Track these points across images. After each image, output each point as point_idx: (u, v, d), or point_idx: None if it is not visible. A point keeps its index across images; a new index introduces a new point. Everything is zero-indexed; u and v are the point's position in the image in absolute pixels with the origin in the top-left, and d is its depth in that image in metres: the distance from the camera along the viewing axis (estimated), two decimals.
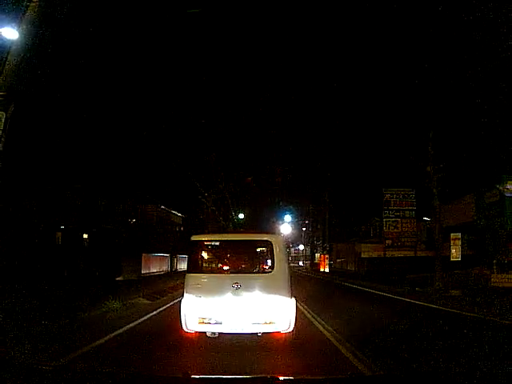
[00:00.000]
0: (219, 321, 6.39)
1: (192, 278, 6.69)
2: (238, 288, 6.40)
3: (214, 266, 7.41)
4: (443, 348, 6.85)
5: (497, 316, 10.10)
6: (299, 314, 9.81)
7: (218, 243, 7.36)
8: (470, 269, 20.14)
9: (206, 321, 6.41)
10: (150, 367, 5.52)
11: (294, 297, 6.74)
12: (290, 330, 6.48)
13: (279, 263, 6.57)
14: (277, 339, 6.74)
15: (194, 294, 6.49)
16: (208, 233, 17.64)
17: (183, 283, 6.78)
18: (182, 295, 6.64)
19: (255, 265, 7.31)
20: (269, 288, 6.48)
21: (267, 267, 6.84)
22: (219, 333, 6.67)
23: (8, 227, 13.98)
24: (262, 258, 7.24)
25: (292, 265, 50.27)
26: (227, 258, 7.45)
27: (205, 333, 6.78)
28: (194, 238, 7.13)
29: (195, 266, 6.96)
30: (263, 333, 6.57)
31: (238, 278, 6.53)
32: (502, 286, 15.95)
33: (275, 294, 6.44)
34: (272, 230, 46.21)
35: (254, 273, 7.07)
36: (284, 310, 6.40)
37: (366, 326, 8.73)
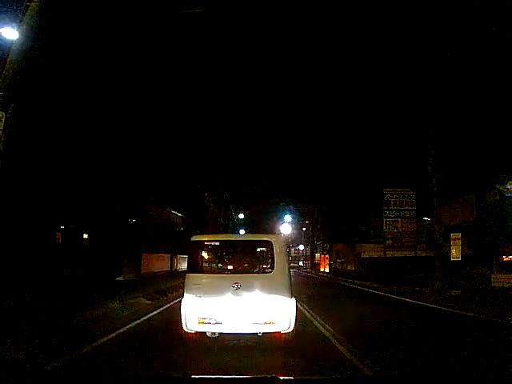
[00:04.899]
0: (219, 321, 6.38)
1: (192, 278, 6.69)
2: (238, 288, 6.41)
3: (214, 266, 7.45)
4: (443, 348, 6.85)
5: (497, 316, 10.09)
6: (299, 313, 9.83)
7: (218, 243, 7.39)
8: (470, 269, 20.14)
9: (206, 321, 6.40)
10: (151, 367, 5.52)
11: (294, 297, 6.73)
12: (290, 329, 6.47)
13: (279, 263, 6.58)
14: (277, 339, 6.75)
15: (194, 294, 6.48)
16: (208, 233, 17.69)
17: (183, 283, 6.78)
18: (183, 295, 6.65)
19: (255, 265, 7.33)
20: (269, 288, 6.48)
21: (267, 267, 6.85)
22: (219, 333, 6.65)
23: (8, 227, 13.97)
24: (262, 258, 7.26)
25: (292, 265, 50.18)
26: (227, 259, 7.49)
27: (205, 333, 6.77)
28: (195, 238, 7.16)
29: (195, 266, 6.96)
30: (263, 333, 6.56)
31: (238, 278, 6.55)
32: (502, 285, 15.94)
33: (275, 294, 6.44)
34: (272, 230, 46.26)
35: (254, 273, 7.10)
36: (284, 310, 6.39)
37: (365, 326, 8.73)
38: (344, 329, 8.18)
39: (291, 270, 7.54)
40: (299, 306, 11.16)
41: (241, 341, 6.77)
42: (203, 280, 6.69)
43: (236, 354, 6.34)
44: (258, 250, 7.28)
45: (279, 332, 6.52)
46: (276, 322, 6.36)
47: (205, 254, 7.29)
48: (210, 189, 31.97)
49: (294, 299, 6.61)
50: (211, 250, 7.38)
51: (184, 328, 6.53)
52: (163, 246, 29.94)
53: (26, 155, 14.63)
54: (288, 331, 6.49)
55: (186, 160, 29.02)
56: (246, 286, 6.45)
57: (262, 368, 5.62)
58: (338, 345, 6.98)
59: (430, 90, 17.07)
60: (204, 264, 7.26)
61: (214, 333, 6.68)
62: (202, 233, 26.19)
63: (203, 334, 6.79)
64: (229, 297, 6.41)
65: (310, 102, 30.81)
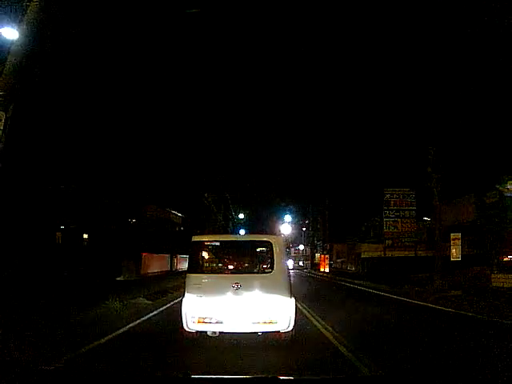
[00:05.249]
0: (220, 320, 6.44)
1: (193, 278, 6.76)
2: (238, 288, 6.48)
3: (214, 266, 7.50)
4: (443, 348, 6.85)
5: (497, 316, 10.09)
6: (298, 313, 9.84)
7: (218, 244, 7.47)
8: (470, 269, 20.14)
9: (206, 320, 6.46)
10: (151, 367, 5.52)
11: (294, 297, 6.78)
12: (290, 329, 6.53)
13: (279, 263, 6.67)
14: (276, 339, 6.76)
15: (194, 293, 6.55)
16: (208, 233, 17.71)
17: (183, 283, 6.81)
18: (183, 295, 6.70)
19: (255, 265, 7.40)
20: (269, 288, 6.55)
21: (267, 267, 6.91)
22: (220, 332, 6.69)
23: (8, 227, 13.97)
24: (261, 258, 7.30)
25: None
26: (228, 259, 7.55)
27: (205, 332, 6.78)
28: (195, 238, 7.25)
29: (196, 266, 7.04)
30: (263, 332, 6.62)
31: (238, 278, 6.63)
32: (502, 285, 15.93)
33: (275, 293, 6.51)
34: (272, 230, 46.28)
35: (254, 273, 7.17)
36: (284, 310, 6.45)
37: (365, 326, 8.73)
38: (344, 329, 8.18)
39: (292, 271, 7.61)
40: (299, 306, 11.19)
41: (241, 340, 6.78)
42: (204, 280, 6.76)
43: (236, 353, 6.34)
44: (258, 250, 7.33)
45: (279, 331, 6.57)
46: (276, 322, 6.42)
47: (205, 254, 7.35)
48: (210, 189, 31.95)
49: (293, 299, 6.67)
50: (211, 250, 7.44)
51: (185, 327, 6.57)
52: (163, 246, 29.90)
53: (27, 155, 14.63)
54: (288, 331, 6.54)
55: (186, 160, 29.01)
56: (246, 285, 6.52)
57: (261, 367, 5.62)
58: (338, 345, 6.98)
59: (430, 90, 17.08)
60: (204, 264, 7.33)
61: (215, 332, 6.69)
62: (202, 233, 26.20)
63: (203, 333, 6.80)
64: (229, 296, 6.48)
65: (310, 103, 30.78)
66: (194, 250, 7.11)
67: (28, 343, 6.24)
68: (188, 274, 6.87)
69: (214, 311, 6.45)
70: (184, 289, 6.74)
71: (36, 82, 10.60)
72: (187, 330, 6.59)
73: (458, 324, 9.80)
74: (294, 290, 6.89)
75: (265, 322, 6.42)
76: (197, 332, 6.70)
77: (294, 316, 6.53)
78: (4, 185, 9.10)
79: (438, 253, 17.98)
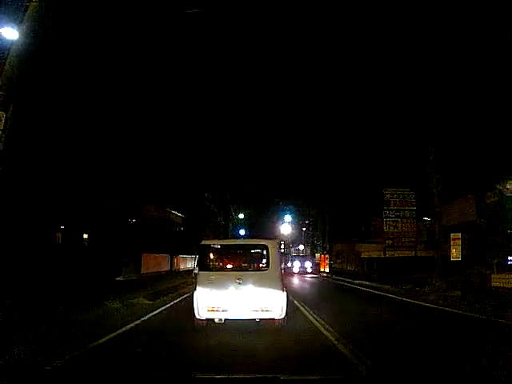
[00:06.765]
0: (225, 309, 7.72)
1: (202, 275, 8.05)
2: (240, 283, 7.74)
3: (220, 265, 8.80)
4: (442, 348, 6.85)
5: (497, 316, 10.08)
6: (299, 314, 9.90)
7: (223, 247, 8.91)
8: (470, 269, 20.13)
9: (214, 309, 7.74)
10: (151, 367, 5.52)
11: (286, 291, 8.03)
12: (282, 316, 7.80)
13: (273, 263, 7.97)
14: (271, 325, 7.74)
15: (204, 287, 7.82)
16: (209, 234, 17.82)
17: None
18: (195, 289, 7.93)
19: (254, 264, 8.71)
20: (265, 283, 7.85)
21: (264, 266, 8.23)
22: (225, 319, 7.84)
23: (8, 227, 13.97)
24: (259, 258, 8.56)
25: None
26: (231, 259, 8.82)
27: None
28: (204, 242, 8.70)
29: (205, 265, 8.36)
30: (261, 319, 7.84)
31: (239, 275, 7.92)
32: (502, 285, 15.92)
33: (270, 287, 7.81)
34: (272, 230, 46.39)
35: (253, 270, 8.45)
36: (277, 301, 7.74)
37: (365, 327, 8.73)
38: (344, 329, 8.18)
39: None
40: (300, 306, 11.23)
41: (242, 331, 7.27)
42: (211, 276, 8.06)
43: (235, 350, 6.36)
44: (257, 251, 8.67)
45: (273, 318, 7.78)
46: (271, 310, 7.70)
47: (212, 255, 8.60)
48: (210, 189, 31.97)
49: (285, 292, 7.94)
50: (218, 251, 8.68)
51: (196, 315, 7.77)
52: (163, 246, 29.92)
53: (26, 155, 14.63)
54: (280, 318, 7.79)
55: (186, 160, 29.04)
56: (246, 281, 7.80)
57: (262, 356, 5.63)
58: (338, 345, 6.98)
59: (430, 90, 17.06)
60: (212, 263, 8.62)
61: (221, 319, 7.86)
62: (204, 234, 26.31)
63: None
64: (232, 290, 7.75)
65: (310, 102, 30.73)
66: (203, 252, 8.44)
67: (28, 343, 6.24)
68: (198, 272, 8.14)
69: (221, 301, 7.73)
70: (195, 284, 8.00)
71: (36, 81, 10.62)
72: (198, 317, 7.77)
73: (458, 324, 9.80)
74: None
75: (262, 310, 7.69)
76: (206, 319, 7.84)
77: (285, 306, 7.81)
78: (4, 185, 9.10)
79: (438, 253, 17.96)
